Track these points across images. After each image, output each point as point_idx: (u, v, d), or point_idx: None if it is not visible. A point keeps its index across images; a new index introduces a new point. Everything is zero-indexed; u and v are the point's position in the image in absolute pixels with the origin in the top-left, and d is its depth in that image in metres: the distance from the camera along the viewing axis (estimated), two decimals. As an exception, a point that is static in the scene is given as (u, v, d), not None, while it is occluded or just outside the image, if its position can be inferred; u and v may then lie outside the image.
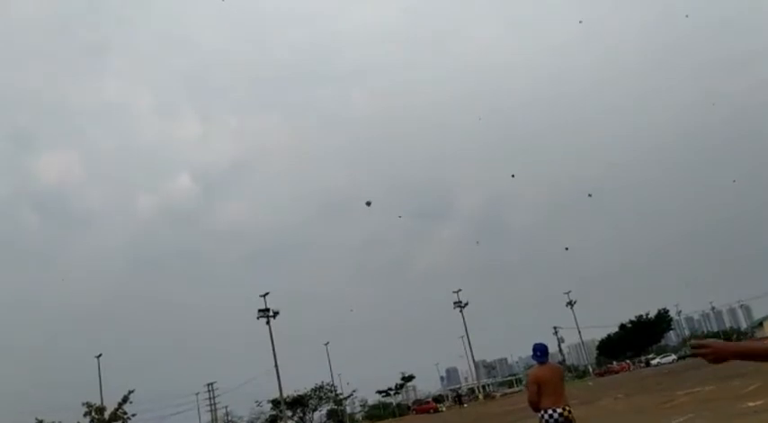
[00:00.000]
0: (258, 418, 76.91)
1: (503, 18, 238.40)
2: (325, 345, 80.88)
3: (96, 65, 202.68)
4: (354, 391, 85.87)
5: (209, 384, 79.94)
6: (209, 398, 79.73)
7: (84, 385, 64.85)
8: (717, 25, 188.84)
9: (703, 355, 2.68)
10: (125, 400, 67.76)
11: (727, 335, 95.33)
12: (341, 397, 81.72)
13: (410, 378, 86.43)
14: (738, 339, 74.81)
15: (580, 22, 61.88)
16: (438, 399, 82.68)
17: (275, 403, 68.90)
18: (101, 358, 64.21)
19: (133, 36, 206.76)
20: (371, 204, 62.14)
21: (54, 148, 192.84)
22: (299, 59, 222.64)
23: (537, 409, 6.94)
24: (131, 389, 68.82)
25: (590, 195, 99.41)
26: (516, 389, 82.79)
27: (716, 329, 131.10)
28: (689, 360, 61.99)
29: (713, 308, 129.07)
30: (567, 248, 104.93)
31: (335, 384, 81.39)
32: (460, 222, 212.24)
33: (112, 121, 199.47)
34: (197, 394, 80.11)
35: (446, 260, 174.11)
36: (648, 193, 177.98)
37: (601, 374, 73.96)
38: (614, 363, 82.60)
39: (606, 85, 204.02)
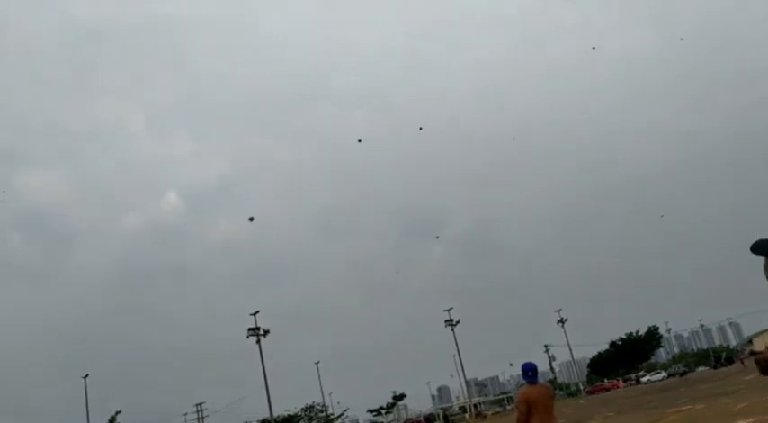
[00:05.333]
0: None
1: (503, 38, 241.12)
2: (316, 364, 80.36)
3: (87, 84, 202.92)
4: (345, 410, 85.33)
5: (197, 404, 78.79)
6: (198, 418, 78.52)
7: (71, 405, 64.00)
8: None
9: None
10: (112, 420, 66.94)
11: (716, 352, 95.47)
12: (332, 417, 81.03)
13: (401, 397, 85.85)
14: (729, 357, 75.02)
15: None
16: (429, 418, 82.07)
17: (265, 423, 68.19)
18: (87, 379, 63.40)
19: (125, 55, 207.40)
20: (253, 220, 65.61)
21: (42, 167, 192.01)
22: (294, 79, 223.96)
23: None
24: (118, 409, 68.27)
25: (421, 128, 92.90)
26: (508, 407, 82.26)
27: (705, 346, 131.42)
28: (679, 377, 62.16)
29: (702, 325, 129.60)
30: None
31: (326, 404, 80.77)
32: (452, 241, 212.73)
33: (103, 139, 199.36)
34: (185, 414, 78.94)
35: (437, 279, 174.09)
36: (639, 212, 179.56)
37: (592, 392, 73.74)
38: (605, 380, 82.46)
39: (605, 107, 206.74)
